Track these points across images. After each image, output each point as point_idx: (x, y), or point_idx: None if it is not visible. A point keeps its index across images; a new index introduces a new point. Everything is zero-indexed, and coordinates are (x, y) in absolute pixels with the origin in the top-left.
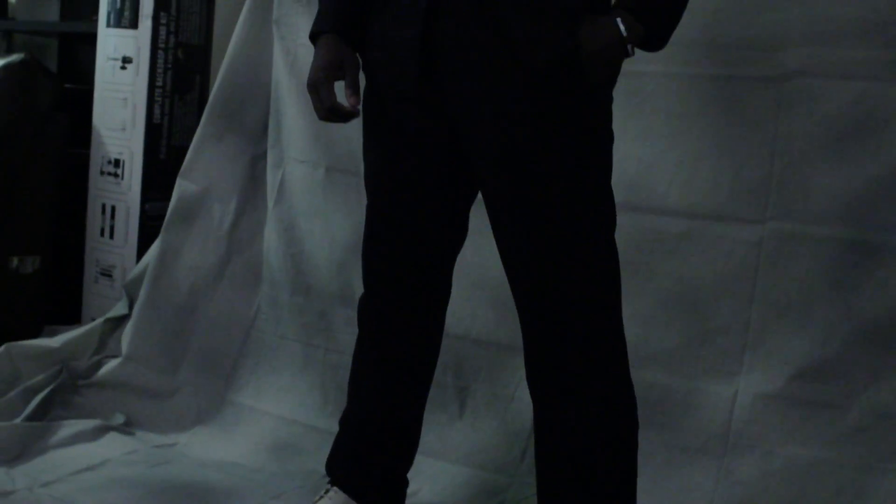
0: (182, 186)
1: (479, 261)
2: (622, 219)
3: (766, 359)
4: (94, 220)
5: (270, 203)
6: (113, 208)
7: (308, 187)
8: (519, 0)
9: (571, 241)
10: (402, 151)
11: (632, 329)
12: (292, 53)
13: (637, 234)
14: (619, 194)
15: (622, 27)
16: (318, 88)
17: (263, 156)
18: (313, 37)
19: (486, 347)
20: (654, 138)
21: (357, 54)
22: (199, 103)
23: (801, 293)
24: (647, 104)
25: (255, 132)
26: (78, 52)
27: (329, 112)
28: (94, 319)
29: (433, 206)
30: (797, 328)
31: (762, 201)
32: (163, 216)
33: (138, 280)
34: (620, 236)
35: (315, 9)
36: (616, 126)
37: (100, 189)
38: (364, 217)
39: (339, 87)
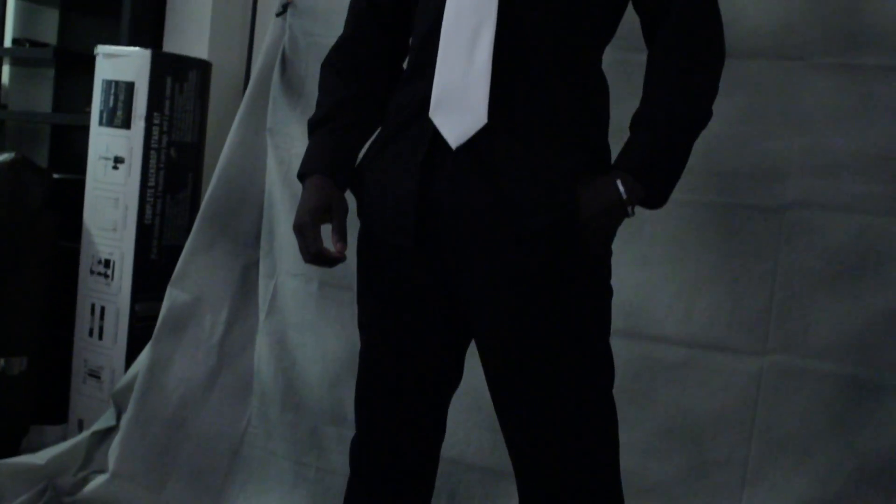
0: (173, 295)
1: (473, 385)
2: (620, 345)
3: (765, 496)
4: (82, 320)
5: (262, 315)
6: (102, 309)
7: (301, 301)
8: (517, 160)
9: (569, 402)
10: (397, 300)
11: (629, 458)
12: (286, 163)
13: (635, 361)
14: (617, 320)
15: (622, 189)
16: (304, 232)
17: (256, 264)
18: (301, 177)
19: (480, 472)
20: (653, 264)
21: (348, 193)
22: (191, 201)
23: (802, 429)
24: (646, 229)
25: (247, 239)
26: (71, 139)
27: (314, 257)
28: (81, 421)
29: (429, 354)
30: (797, 465)
31: (762, 333)
32: (153, 316)
33: (126, 389)
34: (618, 363)
35: (308, 115)
36: (615, 250)
37: (89, 289)
38: (357, 334)
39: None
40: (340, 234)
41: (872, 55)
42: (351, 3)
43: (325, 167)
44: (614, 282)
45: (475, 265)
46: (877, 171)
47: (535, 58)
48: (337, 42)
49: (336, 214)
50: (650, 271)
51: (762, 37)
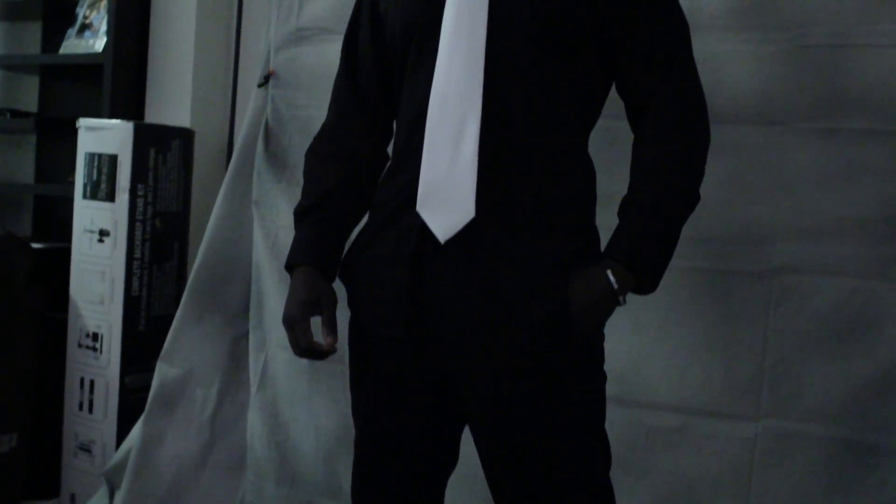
0: (162, 371)
1: (465, 450)
2: (614, 413)
3: None
4: (72, 394)
5: (254, 388)
6: (92, 382)
7: (292, 374)
8: (507, 253)
9: (565, 489)
10: (390, 390)
11: None
12: (273, 235)
13: (629, 429)
14: (610, 387)
15: (613, 279)
16: (294, 326)
17: (245, 336)
18: (289, 268)
19: None
20: (644, 331)
21: (337, 284)
22: (178, 271)
23: (798, 493)
24: (637, 296)
25: (236, 312)
26: (54, 207)
27: (304, 351)
28: (73, 495)
29: (424, 441)
30: None
31: (755, 398)
32: (144, 388)
33: (119, 467)
34: (613, 431)
35: (295, 191)
36: None
37: (78, 363)
38: (350, 408)
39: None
40: (330, 328)
41: (856, 119)
42: (334, 86)
43: (312, 259)
44: (606, 348)
45: (467, 357)
46: (863, 235)
47: (521, 147)
48: (321, 129)
49: (326, 307)
50: (642, 338)
51: (746, 102)
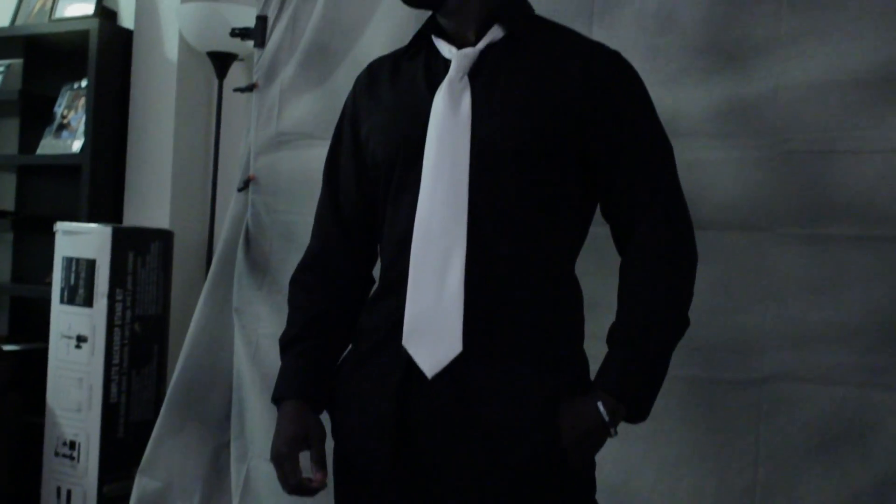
0: (142, 484)
1: None
2: None
3: None
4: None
5: (235, 500)
6: (69, 492)
7: (275, 486)
8: (495, 386)
9: None
10: None
11: None
12: (254, 343)
13: None
14: (601, 499)
15: (604, 411)
16: (283, 464)
17: (227, 445)
18: (276, 401)
19: None
20: (634, 442)
21: (326, 408)
22: (157, 374)
23: None
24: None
25: (217, 421)
26: (31, 307)
27: (294, 489)
28: None
29: None
30: None
31: None
32: (123, 497)
33: None
34: None
35: (276, 298)
36: None
37: (54, 472)
38: None
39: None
40: (320, 463)
41: (841, 225)
42: (317, 211)
43: (299, 392)
44: (596, 459)
45: (456, 493)
46: (852, 342)
47: (507, 277)
48: (304, 256)
49: (314, 442)
50: (633, 448)
51: (731, 208)
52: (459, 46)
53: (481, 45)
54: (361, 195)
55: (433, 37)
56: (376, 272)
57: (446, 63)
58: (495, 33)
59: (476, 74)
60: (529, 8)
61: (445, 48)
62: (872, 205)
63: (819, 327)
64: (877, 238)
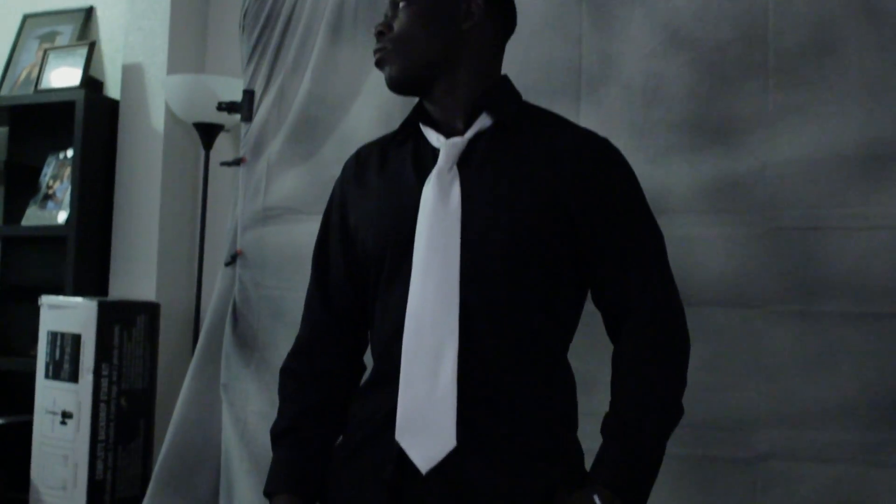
0: None
1: None
2: None
3: None
4: None
5: None
6: None
7: None
8: (490, 481)
9: None
10: None
11: None
12: (242, 421)
13: None
14: None
15: None
16: None
17: None
18: (268, 495)
19: None
20: None
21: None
22: (144, 449)
23: None
24: None
25: (205, 499)
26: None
27: None
28: None
29: None
30: None
31: None
32: None
33: None
34: None
35: (264, 376)
36: None
37: None
38: None
39: None
40: None
41: (832, 302)
42: (306, 300)
43: (291, 486)
44: None
45: None
46: (847, 420)
47: (501, 371)
48: (294, 345)
49: None
50: None
51: (721, 285)
52: (447, 134)
53: (469, 133)
54: (351, 283)
55: (421, 124)
56: (366, 358)
57: (434, 151)
58: (483, 122)
59: (465, 164)
60: (517, 95)
61: (434, 136)
62: (863, 281)
63: (813, 405)
64: (868, 314)
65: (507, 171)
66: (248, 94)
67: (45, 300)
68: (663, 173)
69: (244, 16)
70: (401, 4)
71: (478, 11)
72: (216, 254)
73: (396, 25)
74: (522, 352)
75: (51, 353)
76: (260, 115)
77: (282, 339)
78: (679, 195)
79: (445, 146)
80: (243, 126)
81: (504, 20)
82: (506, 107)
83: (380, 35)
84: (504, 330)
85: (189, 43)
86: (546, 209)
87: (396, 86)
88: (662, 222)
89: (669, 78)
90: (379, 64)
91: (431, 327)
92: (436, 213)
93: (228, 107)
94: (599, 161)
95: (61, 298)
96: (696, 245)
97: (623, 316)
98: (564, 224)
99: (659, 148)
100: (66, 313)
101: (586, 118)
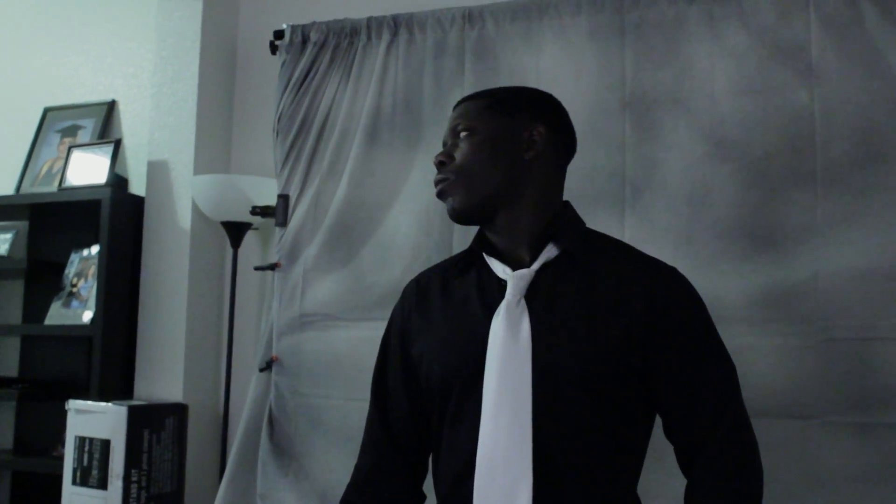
0: None
1: None
2: None
3: None
4: None
5: None
6: None
7: None
8: None
9: None
10: None
11: None
12: None
13: None
14: None
15: None
16: None
17: None
18: None
19: None
20: None
21: None
22: None
23: None
24: None
25: None
26: (35, 482)
27: None
28: None
29: None
30: None
31: None
32: None
33: None
34: None
35: (302, 485)
36: None
37: None
38: None
39: None
40: None
41: (888, 414)
42: (366, 428)
43: None
44: None
45: None
46: None
47: None
48: (354, 474)
49: None
50: None
51: (774, 395)
52: (512, 265)
53: (536, 265)
54: (413, 412)
55: (485, 255)
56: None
57: (500, 283)
58: (550, 252)
59: (533, 296)
60: (581, 223)
61: (499, 267)
62: None
63: None
64: None
65: (577, 304)
66: (283, 199)
67: (73, 405)
68: (711, 281)
69: (278, 119)
70: (462, 134)
71: (540, 140)
72: (244, 352)
73: (458, 156)
74: (596, 488)
75: (78, 459)
76: (295, 219)
77: (319, 447)
78: (729, 303)
79: (513, 279)
80: (278, 231)
81: (566, 145)
82: (572, 236)
83: (440, 165)
84: (579, 465)
85: (216, 140)
86: (617, 344)
87: (459, 217)
88: None
89: (716, 186)
90: (441, 195)
91: (504, 468)
92: (506, 347)
93: (262, 211)
94: (669, 294)
95: (90, 403)
96: (746, 354)
97: (696, 448)
98: (636, 358)
99: (706, 256)
100: (94, 418)
101: (630, 224)
